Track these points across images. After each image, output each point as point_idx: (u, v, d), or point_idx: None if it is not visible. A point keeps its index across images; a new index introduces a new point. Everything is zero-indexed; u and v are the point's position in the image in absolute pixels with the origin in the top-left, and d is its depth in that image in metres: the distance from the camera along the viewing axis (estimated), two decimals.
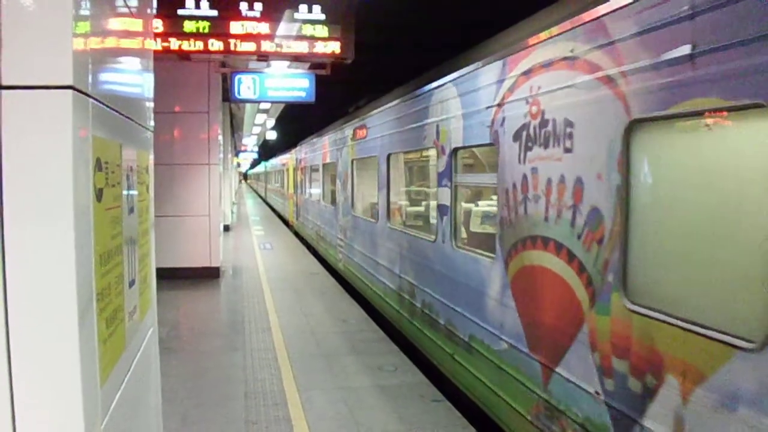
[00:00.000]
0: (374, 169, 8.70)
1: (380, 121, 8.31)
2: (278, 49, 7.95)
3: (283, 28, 7.90)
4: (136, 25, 2.21)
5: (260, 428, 4.63)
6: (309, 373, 5.88)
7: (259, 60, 8.58)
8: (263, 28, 7.87)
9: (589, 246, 3.39)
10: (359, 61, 8.26)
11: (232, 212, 24.95)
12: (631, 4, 3.03)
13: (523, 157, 4.15)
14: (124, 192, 1.87)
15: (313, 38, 7.98)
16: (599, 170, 3.28)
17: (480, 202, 6.23)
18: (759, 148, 2.42)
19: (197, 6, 7.75)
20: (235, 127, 25.69)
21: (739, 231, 2.60)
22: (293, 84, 9.37)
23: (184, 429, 4.62)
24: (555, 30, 3.76)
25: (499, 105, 4.50)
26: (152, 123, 2.53)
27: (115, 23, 1.83)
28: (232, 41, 7.83)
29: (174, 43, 7.70)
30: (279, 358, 6.36)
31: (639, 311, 2.99)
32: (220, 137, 11.53)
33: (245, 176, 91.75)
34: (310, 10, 7.93)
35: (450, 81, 5.55)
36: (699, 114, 2.67)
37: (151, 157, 2.49)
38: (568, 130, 3.59)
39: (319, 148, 14.49)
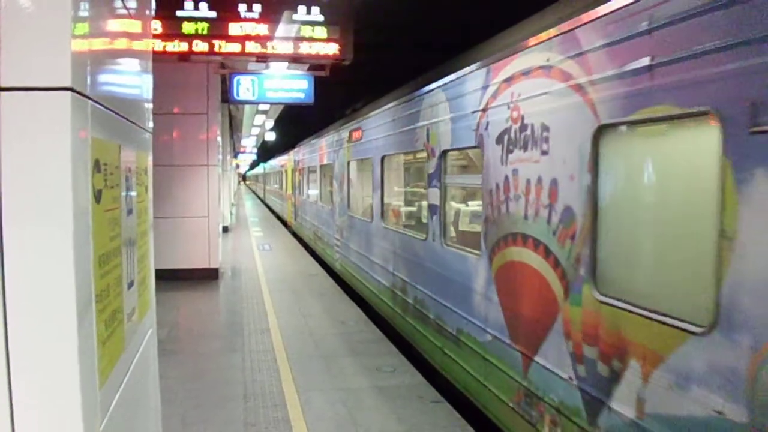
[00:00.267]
0: (369, 170, 8.91)
1: (375, 124, 8.52)
2: (277, 51, 7.95)
3: (282, 29, 7.91)
4: (135, 26, 2.21)
5: (259, 429, 4.63)
6: (308, 375, 5.88)
7: (258, 61, 8.57)
8: (262, 29, 7.87)
9: (563, 242, 3.64)
10: (358, 62, 8.26)
11: (231, 213, 24.94)
12: (599, 18, 3.28)
13: (505, 159, 4.41)
14: (123, 193, 1.87)
15: (311, 39, 7.98)
16: (572, 172, 3.54)
17: (466, 202, 6.45)
18: (705, 151, 2.61)
19: (196, 7, 7.75)
20: (234, 128, 25.70)
21: (691, 228, 2.83)
22: (292, 85, 9.37)
23: (184, 430, 4.61)
24: (533, 40, 4.03)
25: (484, 110, 4.76)
26: (151, 124, 2.53)
27: (113, 25, 1.83)
28: (230, 43, 7.83)
29: (173, 45, 7.70)
30: (278, 359, 6.36)
31: (607, 302, 3.22)
32: (219, 138, 11.53)
33: (244, 177, 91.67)
34: (308, 12, 7.93)
35: (439, 87, 5.79)
36: (656, 120, 2.93)
37: (150, 158, 2.49)
38: (545, 134, 3.86)
39: (317, 150, 14.67)
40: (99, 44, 1.63)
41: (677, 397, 2.70)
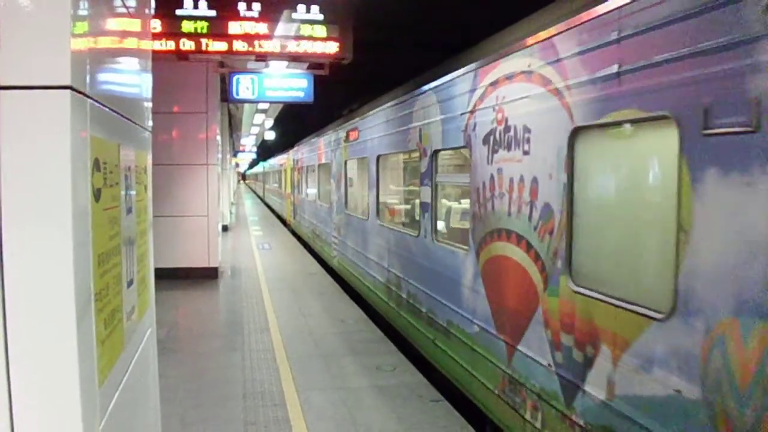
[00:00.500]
0: (365, 169, 9.13)
1: (370, 125, 8.71)
2: (276, 49, 7.95)
3: (282, 28, 7.90)
4: (134, 25, 2.21)
5: (259, 429, 4.63)
6: (307, 374, 5.88)
7: (257, 60, 8.57)
8: (261, 28, 7.87)
9: (543, 237, 3.89)
10: (358, 61, 8.26)
11: (231, 212, 24.94)
12: (574, 27, 3.51)
13: (490, 159, 4.65)
14: (123, 192, 1.87)
15: (311, 38, 7.98)
16: (550, 171, 3.78)
17: (456, 200, 6.67)
18: (665, 152, 2.82)
19: (195, 6, 7.75)
20: (233, 127, 25.68)
21: (654, 222, 3.04)
22: (292, 84, 9.37)
23: (183, 430, 4.62)
24: (516, 47, 4.25)
25: (471, 112, 4.99)
26: (150, 123, 2.52)
27: (113, 23, 1.83)
28: (230, 41, 7.82)
29: (172, 44, 7.69)
30: (277, 358, 6.36)
31: (581, 292, 3.46)
32: (219, 137, 11.52)
33: (244, 176, 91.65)
34: (308, 10, 7.93)
35: (431, 89, 6.02)
36: (623, 123, 3.18)
37: (150, 157, 2.49)
38: (527, 135, 4.09)
39: (315, 149, 14.86)
40: (98, 43, 1.63)
41: (642, 379, 2.92)
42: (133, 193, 2.06)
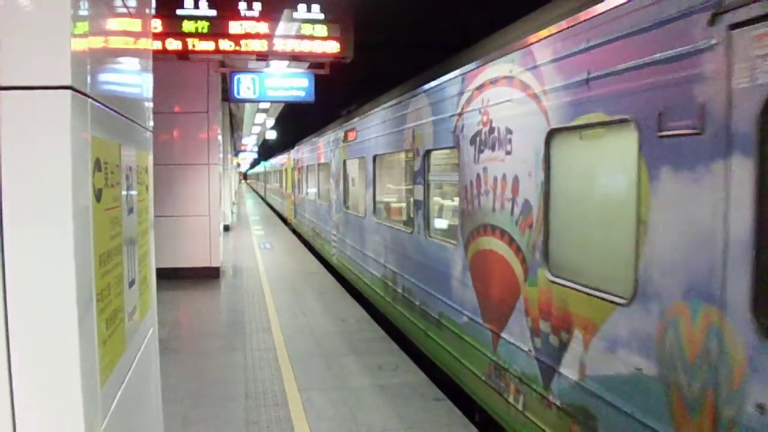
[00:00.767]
0: (363, 168, 9.40)
1: (367, 125, 8.97)
2: (277, 49, 7.94)
3: (282, 27, 7.90)
4: (135, 25, 2.21)
5: (261, 428, 4.63)
6: (309, 373, 5.88)
7: (258, 60, 8.56)
8: (262, 27, 7.86)
9: (523, 231, 4.16)
10: (359, 61, 8.25)
11: (232, 212, 24.94)
12: (549, 36, 3.78)
13: (477, 159, 4.92)
14: (124, 192, 1.86)
15: (312, 37, 7.97)
16: (529, 169, 4.05)
17: (447, 198, 6.87)
18: (627, 152, 3.06)
19: (196, 6, 7.74)
20: (234, 126, 25.68)
21: (619, 216, 3.26)
22: (292, 83, 9.36)
23: (185, 429, 4.62)
24: (499, 53, 4.51)
25: (460, 114, 5.25)
26: (151, 123, 2.52)
27: (113, 23, 1.83)
28: (231, 41, 7.82)
29: (173, 43, 7.69)
30: (279, 357, 6.36)
31: (557, 281, 3.74)
32: (220, 137, 11.52)
33: (245, 176, 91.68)
34: (309, 10, 7.92)
35: (423, 92, 6.31)
36: (592, 126, 3.44)
37: (151, 157, 2.49)
38: (509, 136, 4.35)
39: (315, 149, 15.13)
40: (99, 43, 1.62)
41: (609, 359, 3.20)
42: (134, 193, 2.06)
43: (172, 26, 7.67)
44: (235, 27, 7.81)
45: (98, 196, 1.54)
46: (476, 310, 4.97)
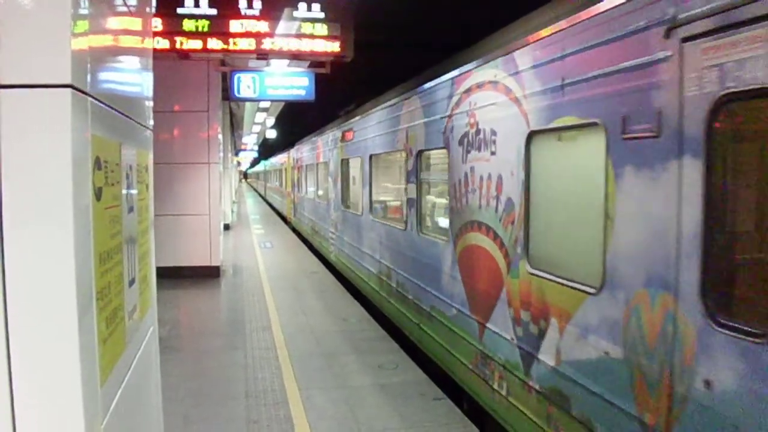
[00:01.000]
0: (359, 168, 9.58)
1: (364, 126, 9.14)
2: (277, 48, 7.94)
3: (283, 26, 7.90)
4: (135, 23, 2.20)
5: (261, 427, 4.63)
6: (309, 372, 5.88)
7: (258, 58, 8.56)
8: (262, 26, 7.87)
9: (506, 227, 4.41)
10: (359, 60, 8.25)
11: (232, 211, 24.94)
12: (530, 43, 4.01)
13: (464, 159, 5.16)
14: (124, 191, 1.86)
15: (312, 36, 7.97)
16: (512, 169, 4.29)
17: (438, 196, 7.06)
18: (597, 153, 3.29)
19: (196, 4, 7.74)
20: (234, 125, 25.67)
21: (590, 212, 3.47)
22: (293, 82, 9.36)
23: (186, 428, 4.62)
24: (484, 59, 4.75)
25: (449, 116, 5.51)
26: (152, 122, 2.52)
27: (114, 22, 1.83)
28: (231, 40, 7.82)
29: (173, 42, 7.69)
30: (279, 357, 6.37)
31: (536, 273, 3.98)
32: (220, 136, 11.52)
33: (245, 175, 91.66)
34: (309, 9, 7.92)
35: (416, 94, 6.56)
36: (566, 128, 3.70)
37: (151, 155, 2.49)
38: (493, 137, 4.59)
39: (314, 149, 15.34)
40: (99, 41, 1.62)
41: (581, 345, 3.46)
42: (134, 191, 2.06)
43: (173, 25, 7.68)
44: (235, 26, 7.81)
45: (98, 194, 1.54)
46: (464, 303, 5.23)
